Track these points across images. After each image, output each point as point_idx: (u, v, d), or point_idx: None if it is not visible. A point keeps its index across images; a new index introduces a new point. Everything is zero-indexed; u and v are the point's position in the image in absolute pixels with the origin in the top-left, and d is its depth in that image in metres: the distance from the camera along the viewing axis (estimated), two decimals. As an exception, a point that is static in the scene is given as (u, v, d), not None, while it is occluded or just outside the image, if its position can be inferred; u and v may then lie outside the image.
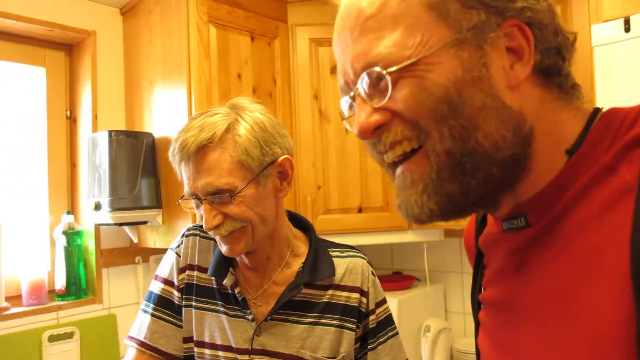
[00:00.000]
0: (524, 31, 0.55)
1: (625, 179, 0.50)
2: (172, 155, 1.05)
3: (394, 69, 0.54)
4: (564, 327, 0.52)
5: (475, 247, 0.75)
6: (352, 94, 0.60)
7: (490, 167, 0.55)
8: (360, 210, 2.17)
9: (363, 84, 0.57)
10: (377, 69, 0.55)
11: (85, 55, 2.14)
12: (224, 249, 1.07)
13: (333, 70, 2.17)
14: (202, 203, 1.03)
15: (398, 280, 2.45)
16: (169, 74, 1.96)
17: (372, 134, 0.58)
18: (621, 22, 1.43)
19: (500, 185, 0.57)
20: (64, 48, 2.20)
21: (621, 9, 1.51)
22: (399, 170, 0.59)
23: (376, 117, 0.57)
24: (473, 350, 2.24)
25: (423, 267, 2.38)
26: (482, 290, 0.71)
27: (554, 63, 0.57)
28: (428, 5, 0.54)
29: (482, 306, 0.71)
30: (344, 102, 0.64)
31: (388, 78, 0.54)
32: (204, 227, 1.03)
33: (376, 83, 0.56)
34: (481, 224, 0.74)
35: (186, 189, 1.05)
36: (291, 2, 2.21)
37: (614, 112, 0.56)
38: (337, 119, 2.15)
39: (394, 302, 2.18)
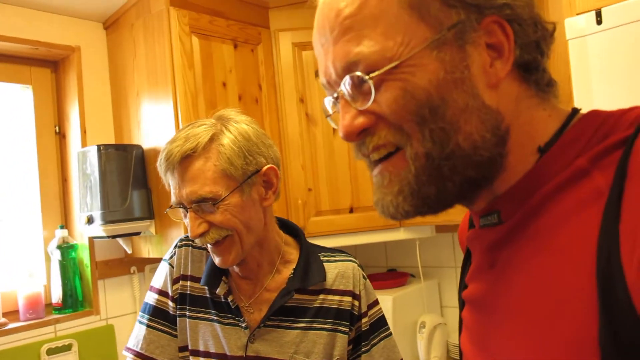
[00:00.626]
0: (503, 27, 0.55)
1: (597, 184, 0.50)
2: (159, 165, 1.07)
3: (375, 73, 0.54)
4: (538, 329, 0.52)
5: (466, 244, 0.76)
6: (335, 94, 0.60)
7: (467, 169, 0.55)
8: (351, 211, 2.19)
9: (346, 86, 0.57)
10: (359, 73, 0.55)
11: (71, 71, 2.16)
12: (217, 260, 1.09)
13: (317, 73, 2.19)
14: (187, 212, 1.05)
15: (392, 277, 2.48)
16: (155, 85, 1.98)
17: (357, 136, 0.58)
18: (593, 14, 1.45)
19: (476, 185, 0.58)
20: (50, 65, 2.22)
21: (593, 1, 1.53)
22: (377, 169, 0.60)
23: (360, 120, 0.57)
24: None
25: (417, 264, 2.41)
26: (466, 288, 0.72)
27: (533, 58, 0.57)
28: (408, 5, 0.54)
29: (465, 304, 0.71)
30: (327, 100, 0.64)
31: (370, 82, 0.54)
32: (189, 234, 1.06)
33: (359, 85, 0.56)
34: (472, 221, 0.74)
35: (173, 198, 1.08)
36: (273, 7, 2.23)
37: (593, 114, 0.56)
38: (324, 122, 2.18)
39: (389, 300, 2.21)
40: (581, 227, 0.50)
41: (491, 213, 0.60)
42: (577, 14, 1.53)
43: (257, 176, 1.08)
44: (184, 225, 1.85)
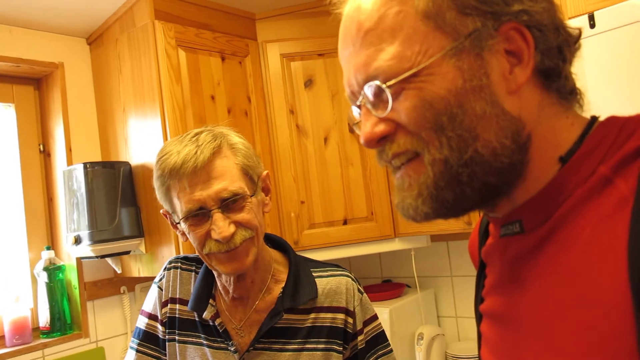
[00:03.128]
0: (522, 33, 0.55)
1: (621, 191, 0.50)
2: (164, 176, 1.01)
3: (393, 82, 0.55)
4: (567, 342, 0.51)
5: (478, 257, 0.75)
6: (358, 103, 0.62)
7: (487, 176, 0.55)
8: (345, 222, 2.16)
9: (367, 95, 0.58)
10: (377, 82, 0.56)
11: (54, 88, 2.11)
12: (230, 267, 1.02)
13: (307, 84, 2.16)
14: (210, 215, 0.99)
15: (388, 289, 2.44)
16: (141, 101, 1.93)
17: (376, 143, 0.60)
18: (585, 18, 1.44)
19: (495, 192, 0.58)
20: (32, 82, 2.17)
21: (584, 5, 1.52)
22: (399, 173, 0.61)
23: (381, 128, 0.58)
24: (467, 354, 2.22)
25: (412, 274, 2.38)
26: (483, 301, 0.71)
27: (555, 64, 0.57)
28: (424, 15, 0.55)
29: (483, 318, 0.70)
30: (354, 109, 0.66)
31: (388, 91, 0.56)
32: (218, 236, 0.99)
33: (379, 94, 0.57)
34: (485, 234, 0.74)
35: (185, 207, 1.00)
36: (259, 19, 2.21)
37: (612, 121, 0.56)
38: (315, 133, 2.15)
39: (386, 312, 2.17)
40: (609, 237, 0.49)
41: (513, 222, 0.60)
42: (569, 18, 1.52)
43: (260, 180, 1.08)
44: (175, 242, 1.81)
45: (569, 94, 0.59)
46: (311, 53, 2.16)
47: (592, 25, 1.42)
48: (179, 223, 1.04)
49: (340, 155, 2.15)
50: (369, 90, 0.58)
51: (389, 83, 0.55)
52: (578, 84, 0.61)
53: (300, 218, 2.13)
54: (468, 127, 0.54)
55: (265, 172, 1.10)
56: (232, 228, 1.00)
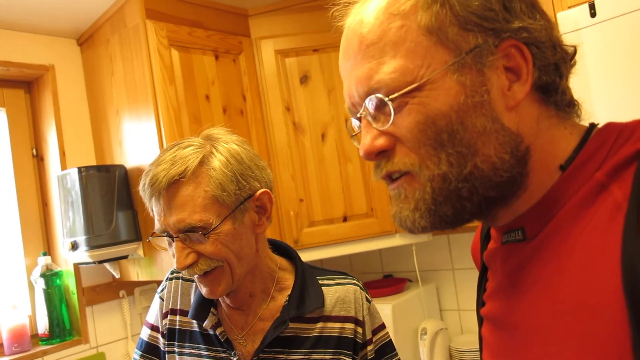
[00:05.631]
0: (521, 51, 0.56)
1: (616, 198, 0.51)
2: (142, 190, 0.98)
3: (395, 95, 0.56)
4: (563, 348, 0.52)
5: (480, 260, 0.75)
6: (358, 115, 0.62)
7: (487, 190, 0.56)
8: (345, 219, 2.13)
9: (368, 107, 0.59)
10: (380, 95, 0.57)
11: (46, 91, 2.07)
12: (204, 291, 1.01)
13: (302, 80, 2.13)
14: (173, 241, 0.96)
15: (390, 284, 2.43)
16: (135, 102, 1.90)
17: (375, 156, 0.60)
18: (586, 7, 1.42)
19: (495, 204, 0.59)
20: (23, 85, 2.13)
21: (584, -6, 1.50)
22: (394, 184, 0.61)
23: (380, 142, 0.59)
24: (471, 347, 2.21)
25: (413, 268, 2.36)
26: (484, 305, 0.71)
27: (552, 80, 0.58)
28: (427, 30, 0.55)
29: (484, 321, 0.71)
30: (353, 121, 0.67)
31: (390, 104, 0.56)
32: (175, 266, 0.97)
33: (380, 107, 0.58)
34: (486, 237, 0.74)
35: (157, 225, 0.98)
36: (252, 15, 2.17)
37: (609, 127, 0.56)
38: (311, 130, 2.12)
39: (388, 308, 2.16)
40: (604, 243, 0.50)
41: (515, 230, 0.61)
42: (569, 7, 1.49)
43: (250, 201, 1.00)
44: (173, 246, 1.78)
45: (566, 107, 0.60)
46: (306, 49, 2.13)
47: (593, 14, 1.40)
48: None
49: (339, 151, 2.13)
50: (370, 103, 0.58)
51: (391, 96, 0.56)
52: (576, 96, 0.62)
53: (299, 216, 2.11)
54: (467, 144, 0.55)
55: (260, 191, 1.01)
56: (189, 259, 0.95)
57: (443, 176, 0.55)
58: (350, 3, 0.63)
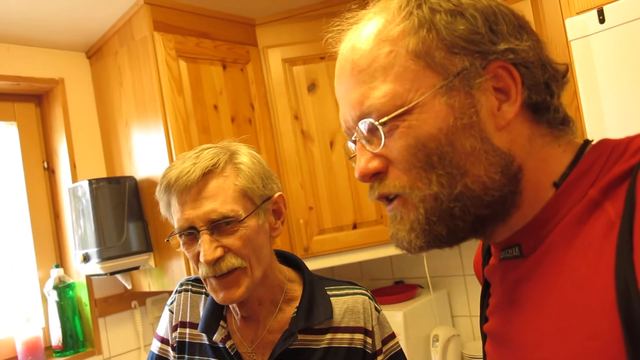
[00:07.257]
0: (509, 71, 0.56)
1: (609, 215, 0.51)
2: (167, 187, 0.98)
3: (386, 119, 0.57)
4: None
5: (482, 275, 0.76)
6: (353, 138, 0.63)
7: (479, 209, 0.57)
8: (355, 226, 2.13)
9: (361, 131, 0.60)
10: (371, 120, 0.58)
11: (56, 104, 2.08)
12: (220, 296, 0.99)
13: (310, 88, 2.13)
14: (199, 235, 0.96)
15: (401, 291, 2.42)
16: (144, 114, 1.91)
17: (370, 178, 0.62)
18: (594, 13, 1.41)
19: (488, 222, 0.59)
20: (33, 99, 2.15)
21: (593, 0, 1.49)
22: (390, 206, 0.62)
23: (374, 164, 0.60)
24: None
25: (424, 275, 2.35)
26: (487, 320, 0.71)
27: (543, 99, 0.58)
28: (414, 55, 0.57)
29: (487, 337, 0.71)
30: (350, 143, 0.68)
31: (381, 128, 0.57)
32: (202, 259, 0.95)
33: (372, 131, 0.59)
34: (488, 252, 0.75)
35: (180, 222, 0.98)
36: (259, 24, 2.18)
37: (603, 144, 0.57)
38: (320, 138, 2.12)
39: (399, 315, 2.15)
40: (598, 260, 0.50)
41: (512, 246, 0.62)
42: (577, 13, 1.48)
43: (269, 202, 1.04)
44: (184, 257, 1.78)
45: (560, 124, 0.60)
46: (313, 57, 2.13)
47: (602, 20, 1.39)
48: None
49: (347, 158, 2.12)
50: (363, 127, 0.60)
51: (381, 120, 0.57)
52: (570, 114, 0.62)
53: (309, 224, 2.11)
54: (457, 165, 0.56)
55: (277, 194, 1.05)
56: (218, 252, 0.95)
57: (434, 196, 0.56)
58: (343, 30, 0.65)
